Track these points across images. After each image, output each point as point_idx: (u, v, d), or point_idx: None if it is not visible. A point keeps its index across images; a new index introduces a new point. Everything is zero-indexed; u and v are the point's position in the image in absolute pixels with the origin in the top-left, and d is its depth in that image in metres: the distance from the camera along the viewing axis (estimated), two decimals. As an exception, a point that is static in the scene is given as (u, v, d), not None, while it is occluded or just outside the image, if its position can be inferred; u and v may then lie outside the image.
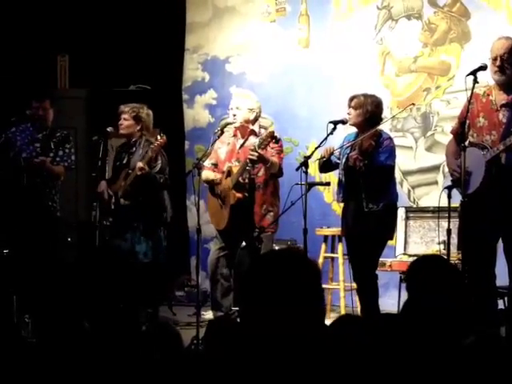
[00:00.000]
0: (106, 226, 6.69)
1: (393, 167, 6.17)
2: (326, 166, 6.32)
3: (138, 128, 6.76)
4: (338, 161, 6.26)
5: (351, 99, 6.11)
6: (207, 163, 6.66)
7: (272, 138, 6.31)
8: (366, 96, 6.09)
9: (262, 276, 2.44)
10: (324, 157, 6.13)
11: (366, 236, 5.95)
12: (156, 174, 6.63)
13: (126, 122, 6.75)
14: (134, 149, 6.80)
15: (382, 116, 6.19)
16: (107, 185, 6.78)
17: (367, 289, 6.08)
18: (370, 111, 6.04)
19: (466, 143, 5.39)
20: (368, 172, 5.92)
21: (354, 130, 6.23)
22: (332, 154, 6.12)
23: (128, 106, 6.79)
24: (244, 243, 6.79)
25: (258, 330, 2.44)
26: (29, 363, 2.80)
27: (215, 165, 6.78)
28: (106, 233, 6.68)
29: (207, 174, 6.65)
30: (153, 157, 6.58)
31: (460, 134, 5.49)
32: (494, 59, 5.41)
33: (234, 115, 6.68)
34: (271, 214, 6.61)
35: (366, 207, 5.96)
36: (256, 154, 6.26)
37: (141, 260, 6.58)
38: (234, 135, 6.77)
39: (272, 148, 6.48)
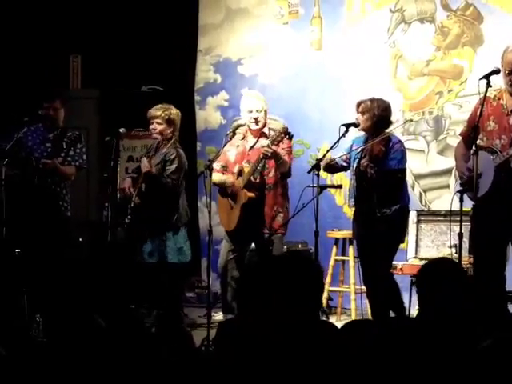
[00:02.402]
0: (123, 224, 6.68)
1: (404, 170, 6.15)
2: (330, 168, 6.32)
3: (171, 130, 6.75)
4: (345, 164, 6.26)
5: (358, 104, 6.11)
6: (216, 165, 6.62)
7: (285, 133, 6.30)
8: (372, 100, 6.08)
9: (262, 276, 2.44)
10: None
11: (378, 239, 5.93)
12: (167, 175, 6.60)
13: (159, 126, 6.70)
14: (158, 150, 6.79)
15: (392, 119, 6.18)
16: (132, 183, 6.78)
17: (378, 292, 6.06)
18: (377, 115, 6.02)
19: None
20: (380, 177, 5.91)
21: (363, 133, 6.23)
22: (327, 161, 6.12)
23: (158, 109, 6.73)
24: (253, 245, 6.78)
25: (260, 330, 2.43)
26: (39, 362, 2.81)
27: (224, 167, 6.77)
28: (122, 232, 6.69)
29: (218, 176, 6.64)
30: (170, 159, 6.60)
31: (471, 138, 5.46)
32: (510, 73, 5.35)
33: (256, 118, 6.64)
34: (281, 215, 6.61)
35: (378, 212, 5.94)
36: (270, 150, 6.26)
37: (146, 260, 6.59)
38: (244, 138, 6.77)
39: (283, 148, 6.49)
